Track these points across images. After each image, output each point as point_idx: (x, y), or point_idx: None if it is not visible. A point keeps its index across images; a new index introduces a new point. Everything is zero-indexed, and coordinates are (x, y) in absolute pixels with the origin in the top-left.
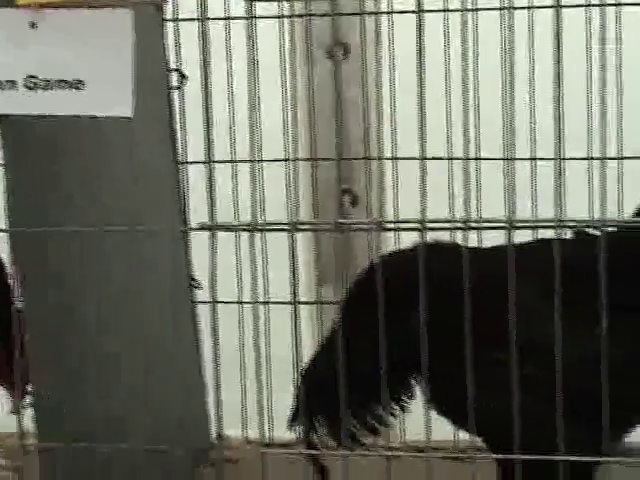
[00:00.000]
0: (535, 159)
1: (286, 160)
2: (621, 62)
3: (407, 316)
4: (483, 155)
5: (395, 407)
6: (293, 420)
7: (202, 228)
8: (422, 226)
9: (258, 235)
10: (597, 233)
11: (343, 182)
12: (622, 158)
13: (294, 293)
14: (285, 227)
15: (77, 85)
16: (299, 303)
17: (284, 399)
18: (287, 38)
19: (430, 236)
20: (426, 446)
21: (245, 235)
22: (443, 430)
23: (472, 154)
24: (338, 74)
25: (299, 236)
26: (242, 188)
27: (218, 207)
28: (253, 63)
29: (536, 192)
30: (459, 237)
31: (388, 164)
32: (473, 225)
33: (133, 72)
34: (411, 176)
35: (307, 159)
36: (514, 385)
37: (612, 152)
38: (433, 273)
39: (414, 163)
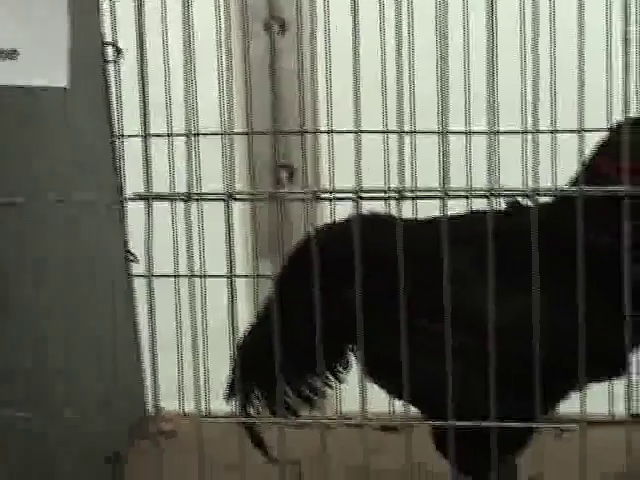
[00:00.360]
0: (470, 133)
1: (222, 134)
2: (554, 37)
3: (342, 287)
4: (418, 128)
5: (331, 378)
6: (230, 392)
7: (138, 198)
8: (356, 196)
9: (195, 210)
10: (530, 204)
11: (281, 156)
12: (555, 131)
13: (230, 266)
14: (221, 197)
15: (12, 55)
16: (235, 276)
17: (222, 372)
18: (223, 12)
19: (366, 208)
20: (361, 416)
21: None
22: (379, 401)
23: (407, 127)
24: (275, 48)
25: (237, 211)
26: (182, 162)
27: (157, 180)
28: (188, 37)
29: (471, 164)
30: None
31: (325, 138)
32: (407, 195)
33: (68, 41)
34: (348, 149)
35: (242, 133)
36: (448, 353)
37: (546, 125)
38: (367, 244)
39: (351, 136)
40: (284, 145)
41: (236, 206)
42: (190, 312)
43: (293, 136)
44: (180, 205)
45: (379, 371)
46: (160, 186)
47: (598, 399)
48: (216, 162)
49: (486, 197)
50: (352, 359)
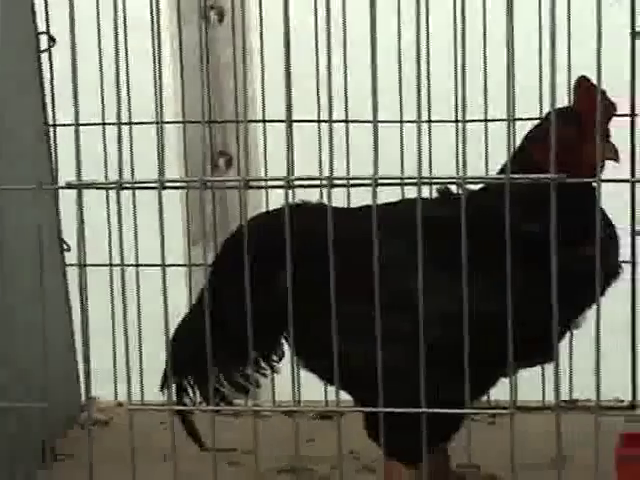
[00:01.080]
0: (402, 122)
1: (156, 123)
2: (485, 28)
3: (275, 275)
4: (350, 117)
5: (265, 367)
6: (165, 382)
7: (69, 187)
8: (288, 183)
9: (130, 199)
10: (460, 192)
11: (218, 145)
12: (486, 120)
13: (162, 256)
14: (152, 185)
15: None
16: (168, 265)
17: (159, 361)
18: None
19: (299, 197)
20: (295, 405)
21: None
22: (314, 389)
23: (341, 116)
24: (212, 38)
25: (174, 200)
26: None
27: (91, 169)
28: (124, 27)
29: (402, 153)
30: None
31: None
32: (338, 182)
33: None
34: (283, 138)
35: (175, 122)
36: (379, 339)
37: (476, 114)
38: (299, 232)
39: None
40: (222, 134)
41: (175, 195)
42: (122, 301)
43: (231, 125)
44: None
45: (312, 358)
46: (97, 174)
47: (532, 386)
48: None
49: (416, 185)
50: (286, 348)
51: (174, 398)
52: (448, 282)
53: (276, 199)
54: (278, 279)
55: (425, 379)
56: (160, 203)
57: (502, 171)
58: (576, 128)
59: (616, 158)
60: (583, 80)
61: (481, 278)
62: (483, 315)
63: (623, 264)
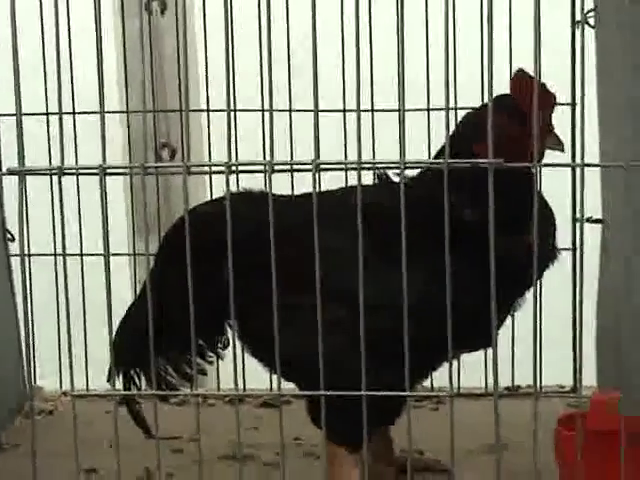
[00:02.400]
0: (345, 110)
1: (100, 112)
2: (427, 17)
3: (219, 264)
4: (297, 107)
5: (210, 355)
6: (111, 371)
7: (10, 173)
8: (228, 169)
9: (74, 189)
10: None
11: (161, 135)
12: (429, 110)
13: (105, 245)
14: (94, 171)
15: None
16: (112, 255)
17: (105, 351)
18: None
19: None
20: (242, 393)
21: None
22: (259, 379)
23: (285, 105)
24: (155, 28)
25: (119, 190)
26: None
27: (41, 161)
28: (67, 16)
29: (345, 139)
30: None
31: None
32: (277, 168)
33: None
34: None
35: (118, 111)
36: (320, 326)
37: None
38: (241, 220)
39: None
40: (166, 126)
41: (119, 184)
42: (65, 291)
43: (174, 116)
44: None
45: (256, 346)
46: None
47: (477, 373)
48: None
49: (356, 170)
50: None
51: (119, 385)
52: (386, 269)
53: (222, 188)
54: (222, 268)
55: (365, 365)
56: (102, 190)
57: (439, 156)
58: (516, 118)
59: (560, 148)
60: (520, 72)
61: (420, 264)
62: (422, 301)
63: (565, 251)
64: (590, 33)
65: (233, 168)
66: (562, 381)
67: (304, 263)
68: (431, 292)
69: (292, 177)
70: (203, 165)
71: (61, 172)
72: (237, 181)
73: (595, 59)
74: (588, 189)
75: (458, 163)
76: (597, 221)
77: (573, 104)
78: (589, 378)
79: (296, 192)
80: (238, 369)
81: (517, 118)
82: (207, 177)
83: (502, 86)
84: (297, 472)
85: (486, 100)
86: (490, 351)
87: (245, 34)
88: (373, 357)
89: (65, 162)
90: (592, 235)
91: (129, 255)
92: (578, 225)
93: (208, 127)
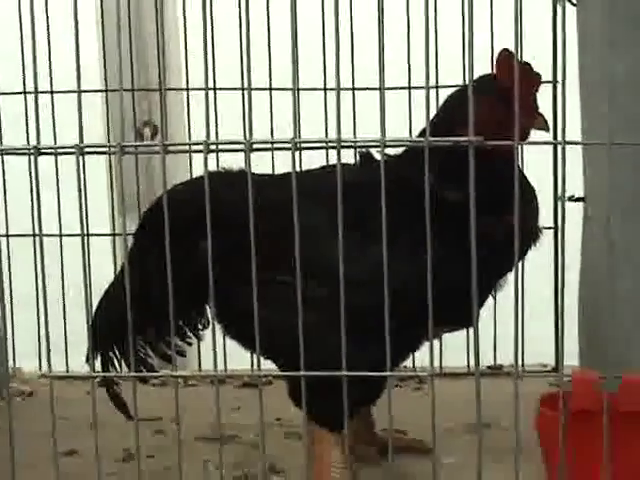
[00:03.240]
0: (325, 89)
1: (77, 92)
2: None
3: (197, 243)
4: (276, 85)
5: (190, 335)
6: (90, 353)
7: None
8: (206, 148)
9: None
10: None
11: (143, 114)
12: (410, 88)
13: (82, 225)
14: (71, 150)
15: None
16: (90, 235)
17: (84, 333)
18: None
19: (221, 164)
20: (221, 374)
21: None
22: (240, 358)
23: (264, 84)
24: (136, 8)
25: (100, 169)
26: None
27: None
28: None
29: (326, 118)
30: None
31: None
32: (257, 146)
33: None
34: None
35: (96, 90)
36: (300, 305)
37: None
38: (220, 199)
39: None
40: (148, 104)
41: (102, 164)
42: (42, 272)
43: (156, 95)
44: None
45: (235, 326)
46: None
47: (459, 353)
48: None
49: (335, 148)
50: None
51: (98, 367)
52: (367, 247)
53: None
54: (200, 247)
55: (346, 344)
56: (79, 170)
57: (422, 134)
58: (499, 98)
59: (545, 128)
60: (504, 52)
61: (400, 243)
62: (403, 280)
63: (547, 230)
64: (571, 11)
65: (212, 147)
66: (544, 360)
67: (283, 241)
68: (412, 271)
69: (272, 156)
70: (181, 144)
71: (37, 152)
72: (217, 160)
73: (576, 37)
74: (570, 167)
75: (439, 141)
76: (579, 199)
77: (554, 82)
78: (572, 356)
79: (279, 171)
80: (219, 350)
81: (500, 98)
82: (189, 156)
83: (484, 65)
84: (278, 452)
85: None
86: (472, 331)
87: (225, 12)
88: (354, 336)
89: (44, 142)
90: (575, 213)
91: (109, 235)
92: (560, 204)
93: (188, 106)
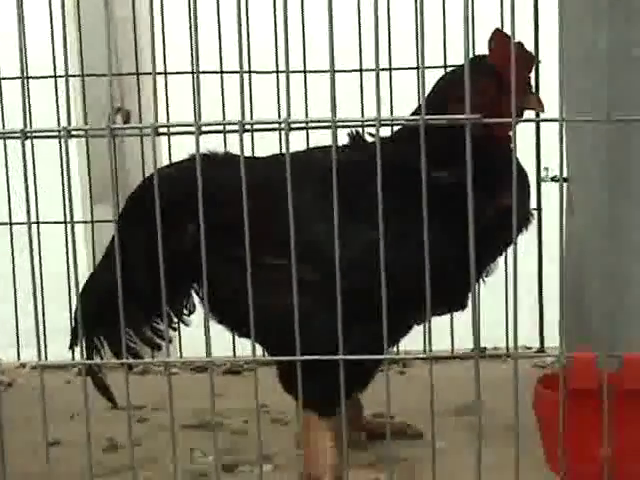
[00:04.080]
0: (306, 72)
1: (54, 77)
2: None
3: (184, 227)
4: (257, 68)
5: (176, 321)
6: (73, 340)
7: None
8: (197, 130)
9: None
10: (371, 139)
11: (117, 100)
12: (392, 69)
13: (65, 212)
14: (56, 134)
15: None
16: (74, 222)
17: (62, 320)
18: None
19: (206, 146)
20: (208, 361)
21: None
22: (222, 345)
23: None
24: None
25: (73, 158)
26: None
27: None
28: None
29: (306, 98)
30: None
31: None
32: (248, 128)
33: None
34: (184, 91)
35: (75, 75)
36: (293, 288)
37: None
38: (207, 182)
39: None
40: (120, 90)
41: (73, 152)
42: (11, 260)
43: (130, 81)
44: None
45: (224, 310)
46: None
47: (440, 335)
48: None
49: (328, 128)
50: (197, 301)
51: (85, 356)
52: (363, 230)
53: (177, 152)
54: (187, 231)
55: (339, 328)
56: (65, 152)
57: (415, 114)
58: (493, 80)
59: (540, 108)
60: (498, 33)
61: (393, 225)
62: (396, 263)
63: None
64: None
65: (204, 128)
66: (528, 342)
67: (273, 224)
68: (405, 253)
69: (252, 137)
70: (172, 125)
71: (24, 135)
72: (196, 144)
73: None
74: (549, 147)
75: (434, 119)
76: (564, 181)
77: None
78: (553, 339)
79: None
80: (200, 336)
81: (494, 78)
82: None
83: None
84: (266, 439)
85: (451, 60)
86: (457, 314)
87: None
88: (347, 320)
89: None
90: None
91: (90, 222)
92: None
93: (166, 90)
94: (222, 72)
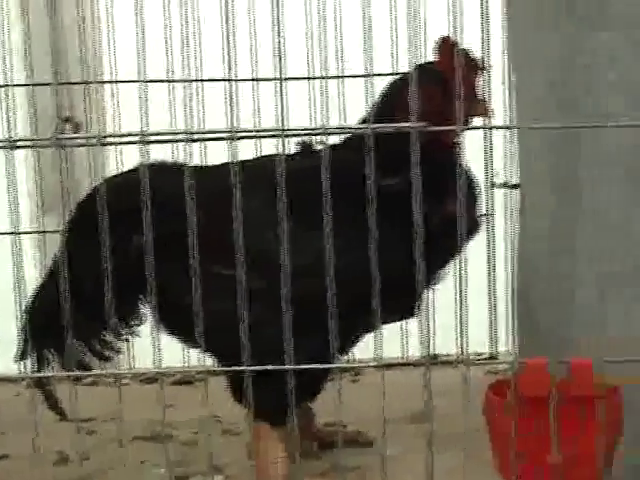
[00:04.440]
0: (257, 80)
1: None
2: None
3: (130, 237)
4: (205, 76)
5: (124, 332)
6: (21, 352)
7: None
8: (143, 139)
9: None
10: (320, 147)
11: (64, 110)
12: (342, 77)
13: (15, 222)
14: (2, 145)
15: None
16: (20, 233)
17: (12, 331)
18: None
19: (154, 156)
20: (157, 372)
21: None
22: (173, 355)
23: (193, 76)
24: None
25: (21, 167)
26: None
27: None
28: None
29: (258, 107)
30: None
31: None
32: (196, 137)
33: None
34: (132, 100)
35: (22, 85)
36: (242, 297)
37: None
38: (156, 191)
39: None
40: (69, 100)
41: (20, 162)
42: None
43: (78, 90)
44: None
45: (174, 320)
46: None
47: (392, 343)
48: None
49: (275, 137)
50: (146, 311)
51: (30, 367)
52: (311, 238)
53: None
54: (135, 240)
55: (288, 337)
56: (12, 164)
57: (363, 122)
58: (440, 87)
59: (487, 115)
60: (445, 39)
61: (340, 232)
62: (345, 270)
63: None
64: None
65: (152, 138)
66: (479, 348)
67: (222, 232)
68: (353, 260)
69: (204, 147)
70: (117, 136)
71: None
72: (142, 153)
73: (506, 21)
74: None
75: (381, 128)
76: (514, 186)
77: (484, 68)
78: (505, 344)
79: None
80: (150, 347)
81: (441, 85)
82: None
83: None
84: (217, 450)
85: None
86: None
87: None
88: (295, 328)
89: None
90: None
91: (38, 233)
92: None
93: (116, 100)
94: (170, 81)
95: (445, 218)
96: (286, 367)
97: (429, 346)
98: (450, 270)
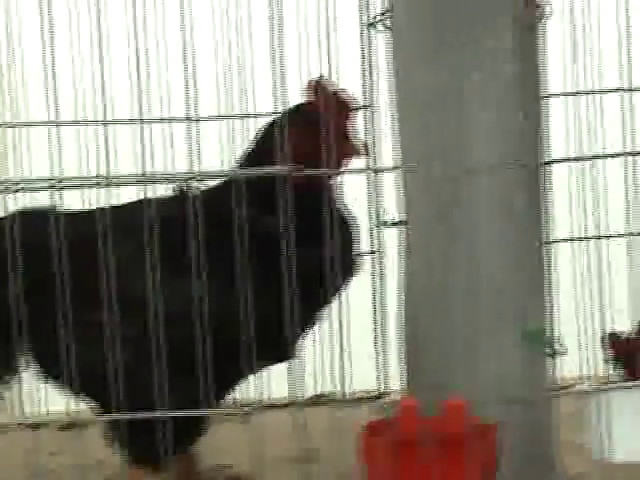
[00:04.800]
0: (115, 122)
1: None
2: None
3: (3, 282)
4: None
5: (5, 379)
6: None
7: None
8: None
9: None
10: (194, 192)
11: None
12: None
13: None
14: None
15: None
16: None
17: None
18: None
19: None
20: (38, 419)
21: None
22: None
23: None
24: None
25: None
26: None
27: None
28: None
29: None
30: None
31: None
32: (67, 183)
33: None
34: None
35: None
36: (113, 344)
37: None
38: (27, 239)
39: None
40: None
41: None
42: None
43: None
44: None
45: (50, 368)
46: None
47: (282, 383)
48: None
49: (142, 183)
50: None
51: None
52: (182, 283)
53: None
54: (3, 289)
55: (161, 382)
56: None
57: (239, 165)
58: (311, 128)
59: (361, 153)
60: (317, 81)
61: (214, 276)
62: (215, 315)
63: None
64: (383, 37)
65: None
66: (371, 385)
67: (92, 279)
68: (226, 305)
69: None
70: None
71: None
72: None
73: (391, 60)
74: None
75: (251, 173)
76: (398, 223)
77: (367, 106)
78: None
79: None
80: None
81: (311, 127)
82: None
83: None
84: None
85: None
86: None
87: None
88: (169, 373)
89: None
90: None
91: None
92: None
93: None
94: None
95: (317, 261)
96: (157, 415)
97: (298, 390)
98: (328, 312)
